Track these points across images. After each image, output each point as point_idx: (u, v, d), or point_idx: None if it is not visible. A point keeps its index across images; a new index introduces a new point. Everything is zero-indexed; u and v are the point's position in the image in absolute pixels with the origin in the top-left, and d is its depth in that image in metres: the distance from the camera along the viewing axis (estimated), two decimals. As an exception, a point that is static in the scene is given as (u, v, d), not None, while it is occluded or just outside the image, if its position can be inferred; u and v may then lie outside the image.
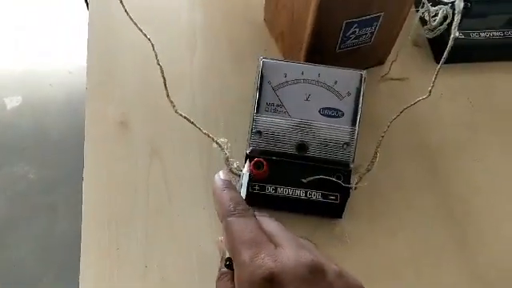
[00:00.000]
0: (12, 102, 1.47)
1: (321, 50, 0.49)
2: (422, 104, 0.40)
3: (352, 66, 0.53)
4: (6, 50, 1.58)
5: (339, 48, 0.49)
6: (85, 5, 1.05)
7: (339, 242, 0.45)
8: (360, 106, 0.43)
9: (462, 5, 0.34)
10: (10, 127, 1.44)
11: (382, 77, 0.55)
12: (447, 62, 0.38)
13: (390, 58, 0.55)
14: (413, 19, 0.51)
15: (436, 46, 0.57)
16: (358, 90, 0.43)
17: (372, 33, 0.49)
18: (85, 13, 0.57)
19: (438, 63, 0.38)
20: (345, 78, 0.43)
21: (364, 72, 0.43)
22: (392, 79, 0.55)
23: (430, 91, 0.38)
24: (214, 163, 0.48)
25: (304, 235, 0.30)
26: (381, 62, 0.56)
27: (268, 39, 0.58)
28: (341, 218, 0.45)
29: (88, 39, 0.54)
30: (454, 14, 0.39)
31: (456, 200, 0.48)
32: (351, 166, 0.43)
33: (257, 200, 0.45)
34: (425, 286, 0.43)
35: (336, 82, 0.43)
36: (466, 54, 0.57)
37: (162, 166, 0.47)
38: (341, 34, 0.47)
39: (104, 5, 0.57)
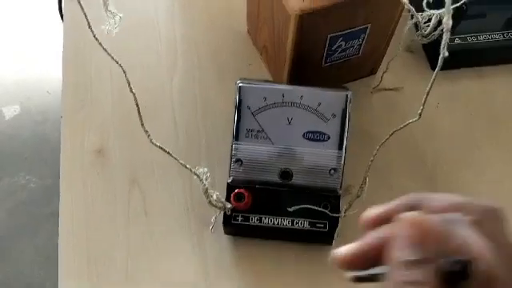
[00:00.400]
0: (10, 112, 1.46)
1: (306, 65, 0.46)
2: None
3: (341, 78, 0.51)
4: (1, 58, 1.57)
5: (325, 62, 0.46)
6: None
7: (330, 268, 0.42)
8: (346, 128, 0.40)
9: (450, 23, 0.31)
10: (9, 137, 1.43)
11: (374, 88, 0.51)
12: (444, 68, 0.34)
13: (383, 66, 0.51)
14: (405, 25, 0.47)
15: (431, 51, 0.53)
16: (344, 112, 0.40)
17: (360, 45, 0.46)
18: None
19: (434, 69, 0.34)
20: (329, 99, 0.40)
21: (349, 93, 0.40)
22: (385, 89, 0.52)
23: (420, 114, 0.35)
24: (196, 191, 0.45)
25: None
26: (373, 72, 0.53)
27: (253, 51, 0.55)
28: (331, 245, 0.43)
29: (62, 63, 0.51)
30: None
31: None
32: (339, 192, 0.41)
33: (241, 231, 0.42)
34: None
35: (320, 104, 0.40)
36: (464, 59, 0.53)
37: (141, 196, 0.45)
38: (326, 48, 0.44)
39: (78, 26, 0.54)
